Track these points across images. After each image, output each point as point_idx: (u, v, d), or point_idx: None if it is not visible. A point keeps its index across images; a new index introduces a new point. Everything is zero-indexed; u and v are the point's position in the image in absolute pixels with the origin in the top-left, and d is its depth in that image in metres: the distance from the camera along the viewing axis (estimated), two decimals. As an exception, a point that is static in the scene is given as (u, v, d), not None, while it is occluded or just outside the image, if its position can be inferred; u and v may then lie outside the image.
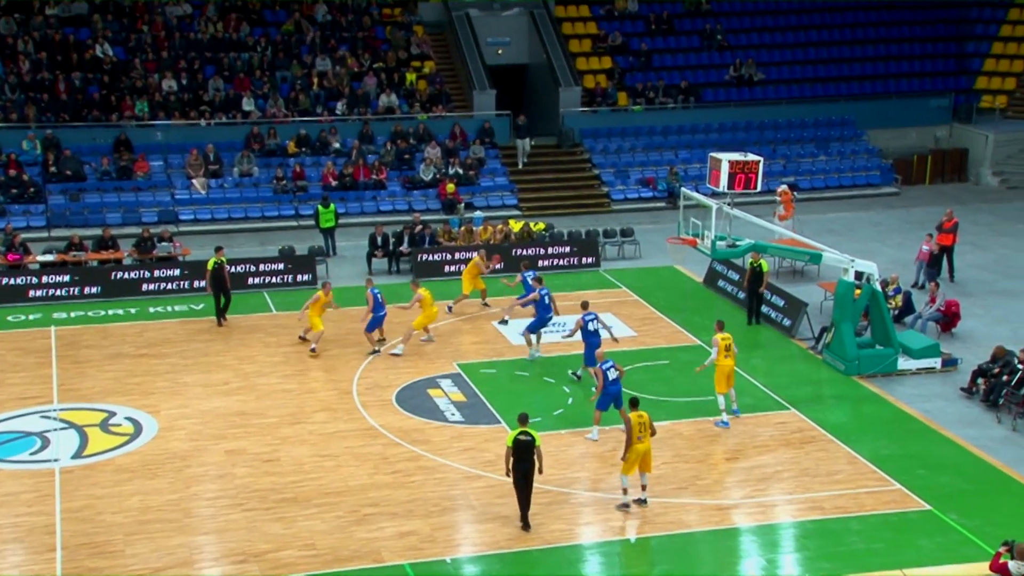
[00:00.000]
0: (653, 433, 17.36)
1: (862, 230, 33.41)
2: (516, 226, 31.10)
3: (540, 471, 16.84)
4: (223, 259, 25.51)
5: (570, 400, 21.32)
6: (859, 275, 22.70)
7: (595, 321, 21.61)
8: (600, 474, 18.58)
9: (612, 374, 19.34)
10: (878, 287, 22.92)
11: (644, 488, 17.45)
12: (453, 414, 20.92)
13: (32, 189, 33.12)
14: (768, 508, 17.63)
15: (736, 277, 27.14)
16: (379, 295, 23.78)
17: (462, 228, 30.77)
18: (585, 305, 22.15)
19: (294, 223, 33.81)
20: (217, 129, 36.09)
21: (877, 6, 44.22)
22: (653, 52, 41.29)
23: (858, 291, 22.76)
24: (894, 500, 17.65)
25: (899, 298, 25.22)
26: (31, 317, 25.81)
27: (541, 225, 31.54)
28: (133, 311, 26.47)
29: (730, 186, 25.67)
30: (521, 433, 16.68)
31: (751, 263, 25.58)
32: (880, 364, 22.58)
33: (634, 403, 17.57)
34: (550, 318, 23.21)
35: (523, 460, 16.64)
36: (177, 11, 39.08)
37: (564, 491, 18.01)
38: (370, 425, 20.46)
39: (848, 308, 22.79)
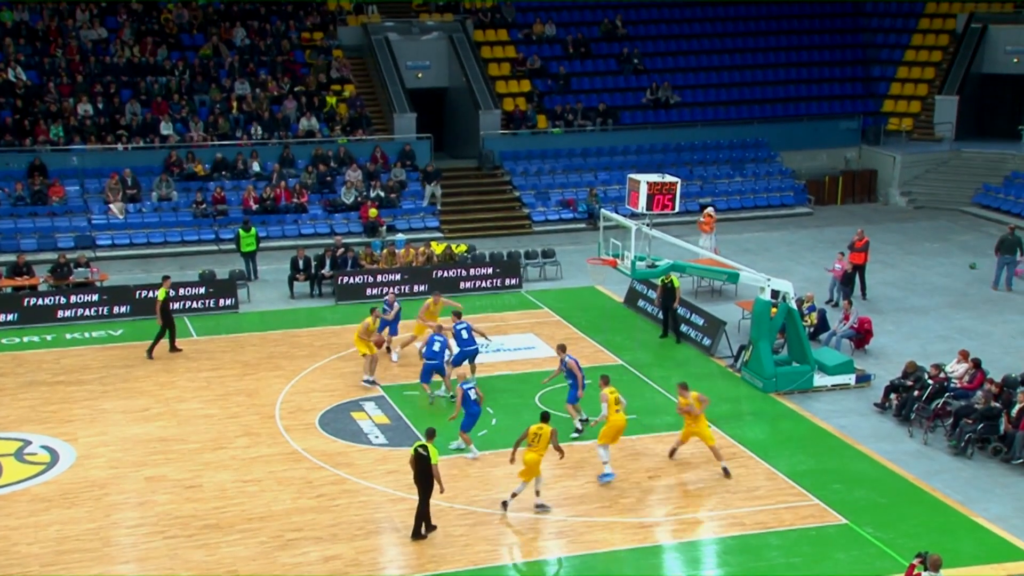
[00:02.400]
0: (559, 452, 18.20)
1: (777, 249, 34.16)
2: (438, 248, 31.21)
3: (441, 490, 17.27)
4: (169, 289, 25.42)
5: (494, 421, 21.44)
6: (775, 294, 23.21)
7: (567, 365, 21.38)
8: (525, 494, 18.69)
9: (472, 395, 19.83)
10: (794, 305, 23.46)
11: (538, 494, 18.16)
12: (377, 437, 20.90)
13: (-58, 215, 32.44)
14: (690, 525, 17.92)
15: (655, 296, 27.55)
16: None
17: (384, 251, 30.78)
18: (562, 348, 21.95)
19: (214, 247, 33.50)
20: (134, 153, 35.65)
21: (788, 31, 45.45)
22: (571, 75, 41.84)
23: (774, 309, 23.27)
24: (812, 515, 18.05)
25: (814, 316, 25.83)
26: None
27: (463, 247, 31.70)
28: (49, 338, 25.98)
29: (649, 207, 26.10)
30: (420, 447, 17.18)
31: (662, 280, 26.08)
32: (797, 381, 23.10)
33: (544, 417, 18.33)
34: (474, 350, 22.94)
35: (421, 472, 17.18)
36: (92, 35, 38.57)
37: (489, 512, 18.09)
38: (293, 449, 20.34)
39: (765, 326, 23.30)
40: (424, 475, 17.11)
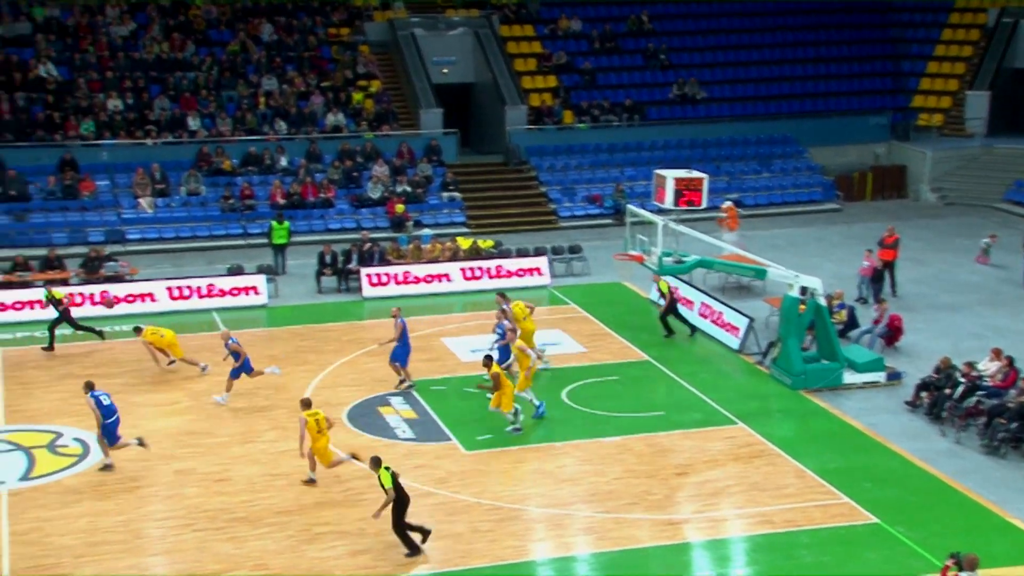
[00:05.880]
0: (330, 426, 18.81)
1: (805, 246, 33.95)
2: (465, 243, 31.21)
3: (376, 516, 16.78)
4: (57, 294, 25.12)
5: (520, 417, 21.38)
6: (804, 290, 23.08)
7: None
8: (551, 490, 18.69)
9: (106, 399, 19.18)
10: (823, 302, 23.31)
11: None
12: (404, 432, 20.93)
13: (-25, 210, 32.75)
14: (718, 523, 17.83)
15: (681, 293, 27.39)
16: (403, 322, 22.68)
17: (411, 246, 30.83)
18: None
19: (242, 242, 33.62)
20: (163, 148, 35.82)
21: (816, 26, 45.12)
22: (597, 71, 41.72)
23: (803, 306, 23.13)
24: (842, 513, 17.92)
25: (843, 313, 25.64)
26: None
27: (490, 242, 31.68)
28: (80, 331, 26.10)
29: (675, 203, 26.03)
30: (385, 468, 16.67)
31: (660, 287, 25.99)
32: (826, 378, 22.95)
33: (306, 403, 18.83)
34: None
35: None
36: (122, 31, 38.76)
37: (515, 507, 18.09)
38: (321, 444, 20.37)
39: (793, 323, 23.16)
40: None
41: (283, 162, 36.25)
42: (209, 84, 37.80)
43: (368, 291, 29.03)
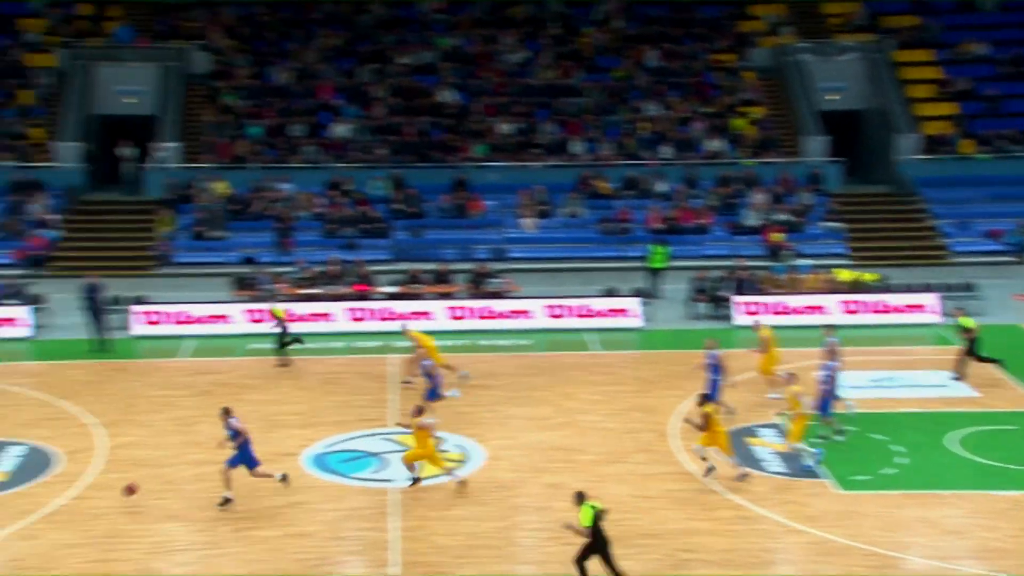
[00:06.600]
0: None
1: None
2: (846, 275, 29.98)
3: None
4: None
5: (906, 460, 20.15)
6: None
7: None
8: (934, 541, 17.39)
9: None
10: None
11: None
12: (774, 465, 20.29)
13: (380, 224, 35.51)
14: None
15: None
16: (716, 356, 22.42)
17: (787, 275, 30.05)
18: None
19: (617, 264, 34.20)
20: (547, 171, 37.22)
21: None
22: (1004, 98, 38.77)
23: None
24: None
25: None
26: (375, 344, 27.37)
27: (875, 276, 30.23)
28: (464, 343, 27.55)
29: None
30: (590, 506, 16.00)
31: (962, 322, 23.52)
32: None
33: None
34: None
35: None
36: (516, 57, 40.77)
37: (894, 555, 16.99)
38: (687, 470, 20.20)
39: None
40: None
41: (661, 187, 36.55)
42: (594, 109, 38.87)
43: (741, 319, 28.57)
